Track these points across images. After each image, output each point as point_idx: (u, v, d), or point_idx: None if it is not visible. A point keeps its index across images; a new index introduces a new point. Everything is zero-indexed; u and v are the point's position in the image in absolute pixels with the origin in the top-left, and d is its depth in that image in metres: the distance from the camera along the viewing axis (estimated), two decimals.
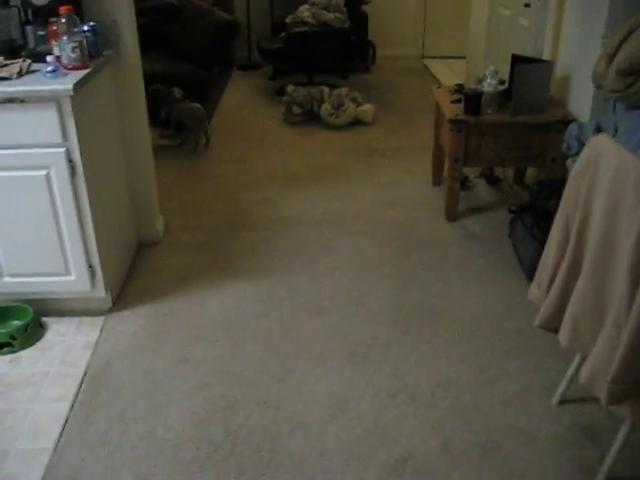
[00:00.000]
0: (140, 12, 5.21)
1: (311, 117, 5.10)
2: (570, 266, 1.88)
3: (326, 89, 5.15)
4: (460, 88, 3.54)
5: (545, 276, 2.02)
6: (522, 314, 2.70)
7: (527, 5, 3.95)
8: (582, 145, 2.76)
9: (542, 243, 2.77)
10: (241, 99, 5.84)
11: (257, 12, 6.84)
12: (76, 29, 2.44)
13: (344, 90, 5.15)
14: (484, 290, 2.90)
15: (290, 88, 5.16)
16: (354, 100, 5.10)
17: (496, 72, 3.35)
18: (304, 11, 5.56)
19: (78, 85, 2.32)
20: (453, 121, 3.25)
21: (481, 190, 3.90)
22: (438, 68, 6.72)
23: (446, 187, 3.50)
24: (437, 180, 3.95)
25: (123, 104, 2.98)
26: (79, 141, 2.38)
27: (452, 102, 3.44)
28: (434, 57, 7.14)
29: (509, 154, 3.32)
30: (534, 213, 2.97)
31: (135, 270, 3.08)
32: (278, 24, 6.07)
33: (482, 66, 4.91)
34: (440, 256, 3.17)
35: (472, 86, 3.41)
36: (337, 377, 2.38)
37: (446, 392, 2.30)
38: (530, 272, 2.84)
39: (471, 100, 3.27)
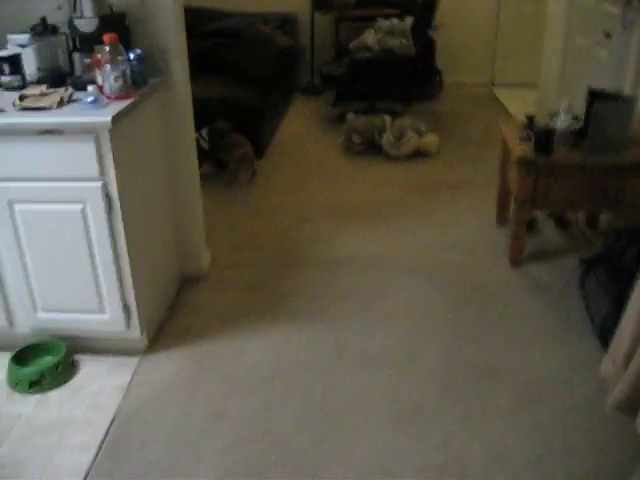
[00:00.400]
0: (200, 36, 5.19)
1: (372, 147, 4.90)
2: None
3: (388, 118, 4.94)
4: (530, 120, 3.27)
5: (621, 350, 1.76)
6: (592, 380, 2.42)
7: (607, 35, 3.67)
8: None
9: (617, 300, 2.50)
10: (301, 126, 5.70)
11: (322, 36, 6.71)
12: (120, 57, 2.32)
13: (407, 119, 4.93)
14: (549, 350, 2.62)
15: (350, 117, 4.99)
16: (417, 130, 4.87)
17: (570, 107, 3.09)
18: (368, 37, 5.38)
19: (118, 117, 2.20)
20: (521, 162, 2.99)
21: (549, 233, 3.61)
22: (508, 96, 6.43)
23: (512, 230, 3.24)
24: (501, 220, 3.68)
25: (170, 134, 2.85)
26: (117, 176, 2.26)
27: (521, 139, 3.19)
28: (504, 84, 6.86)
29: (582, 197, 3.03)
30: (609, 265, 2.69)
31: (176, 308, 2.94)
32: (343, 49, 5.92)
33: (555, 97, 4.63)
34: (502, 307, 2.91)
35: (543, 121, 3.15)
36: (380, 443, 2.16)
37: (502, 469, 2.05)
38: (602, 332, 2.56)
39: (542, 137, 3.01)
